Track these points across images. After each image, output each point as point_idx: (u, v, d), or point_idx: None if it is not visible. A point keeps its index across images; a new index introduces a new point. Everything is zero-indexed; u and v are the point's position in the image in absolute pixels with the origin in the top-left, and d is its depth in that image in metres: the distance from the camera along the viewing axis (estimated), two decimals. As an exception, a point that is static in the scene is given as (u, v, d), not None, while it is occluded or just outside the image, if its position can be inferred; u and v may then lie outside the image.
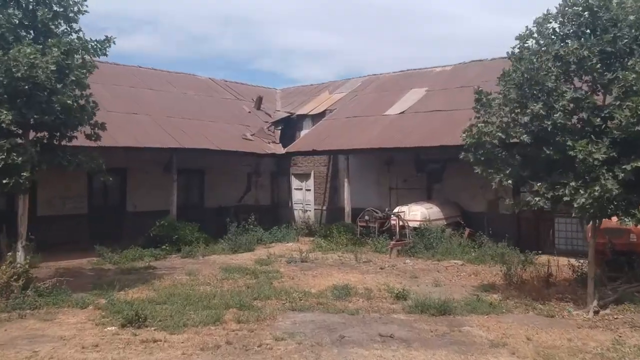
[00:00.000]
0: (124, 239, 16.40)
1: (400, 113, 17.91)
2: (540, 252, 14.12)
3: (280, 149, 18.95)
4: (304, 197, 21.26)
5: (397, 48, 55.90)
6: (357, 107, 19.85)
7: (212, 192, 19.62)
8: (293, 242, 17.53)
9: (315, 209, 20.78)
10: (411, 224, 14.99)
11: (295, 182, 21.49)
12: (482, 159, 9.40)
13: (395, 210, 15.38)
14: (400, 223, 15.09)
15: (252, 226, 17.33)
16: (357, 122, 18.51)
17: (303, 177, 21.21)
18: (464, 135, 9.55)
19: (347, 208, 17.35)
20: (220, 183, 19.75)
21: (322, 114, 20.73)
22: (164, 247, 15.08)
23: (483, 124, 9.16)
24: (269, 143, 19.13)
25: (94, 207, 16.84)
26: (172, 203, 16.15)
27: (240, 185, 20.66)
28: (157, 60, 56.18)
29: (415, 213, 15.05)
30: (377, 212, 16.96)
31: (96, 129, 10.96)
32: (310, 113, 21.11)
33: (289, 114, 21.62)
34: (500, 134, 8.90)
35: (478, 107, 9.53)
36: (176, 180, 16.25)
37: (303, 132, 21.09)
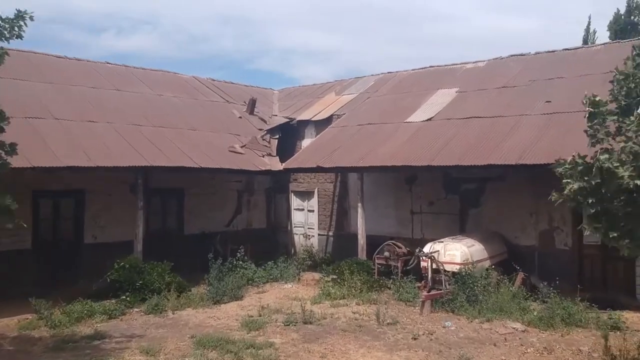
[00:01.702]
0: (80, 280, 12.92)
1: (427, 120, 14.30)
2: (612, 303, 10.74)
3: (277, 164, 15.35)
4: (306, 219, 17.68)
5: (397, 48, 55.36)
6: (371, 112, 16.25)
7: (193, 216, 16.05)
8: (293, 283, 13.96)
9: (319, 235, 17.19)
10: (448, 268, 11.40)
11: (295, 201, 17.91)
12: (598, 213, 5.81)
13: (427, 248, 11.78)
14: (434, 266, 11.51)
15: (241, 262, 13.77)
16: (372, 131, 14.91)
17: (305, 195, 17.63)
18: (563, 168, 5.97)
19: (362, 240, 13.74)
20: (203, 204, 16.18)
21: (327, 120, 17.14)
22: (124, 297, 11.51)
23: (606, 157, 5.56)
24: (263, 156, 15.53)
25: (40, 240, 13.25)
26: (136, 237, 12.57)
27: (228, 205, 17.09)
28: (156, 60, 55.67)
29: (454, 253, 11.46)
30: (399, 247, 13.38)
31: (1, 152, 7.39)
32: (313, 119, 17.51)
33: (287, 120, 18.02)
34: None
35: (595, 127, 5.92)
36: (142, 207, 12.65)
37: (305, 142, 17.51)
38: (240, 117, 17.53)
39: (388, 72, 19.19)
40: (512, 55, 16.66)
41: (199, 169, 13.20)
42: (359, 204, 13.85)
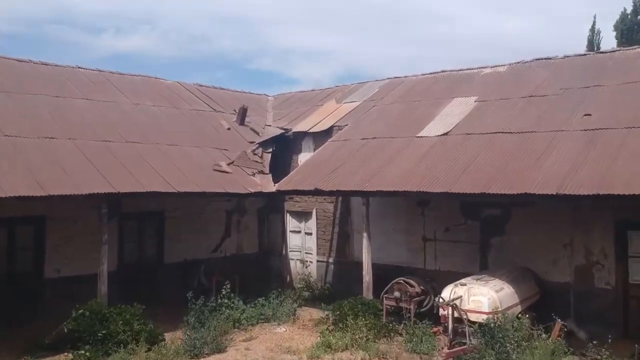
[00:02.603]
0: (40, 319, 10.98)
1: (443, 135, 12.34)
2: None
3: (269, 184, 13.40)
4: (303, 243, 15.73)
5: (397, 48, 53.84)
6: (377, 124, 14.29)
7: (175, 242, 14.12)
8: (288, 324, 12.02)
9: (318, 261, 15.24)
10: (473, 318, 9.44)
11: (291, 222, 15.95)
12: None
13: (447, 292, 9.83)
14: (456, 314, 9.56)
15: (227, 300, 11.82)
16: (378, 146, 12.95)
17: (302, 215, 15.68)
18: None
19: (367, 277, 11.77)
20: (187, 228, 14.25)
21: (327, 132, 15.19)
22: (83, 351, 9.53)
23: None
24: (253, 174, 13.58)
25: (-9, 275, 11.34)
26: (100, 276, 10.61)
27: (216, 228, 15.15)
28: (156, 60, 54.32)
29: (480, 300, 9.49)
30: (411, 285, 11.43)
31: None
32: (311, 130, 15.55)
33: (282, 131, 16.07)
34: None
35: None
36: (106, 241, 10.69)
37: (302, 156, 15.57)
38: (228, 129, 15.55)
39: (395, 77, 17.22)
40: (537, 60, 14.69)
41: (177, 194, 11.25)
42: (364, 234, 11.89)
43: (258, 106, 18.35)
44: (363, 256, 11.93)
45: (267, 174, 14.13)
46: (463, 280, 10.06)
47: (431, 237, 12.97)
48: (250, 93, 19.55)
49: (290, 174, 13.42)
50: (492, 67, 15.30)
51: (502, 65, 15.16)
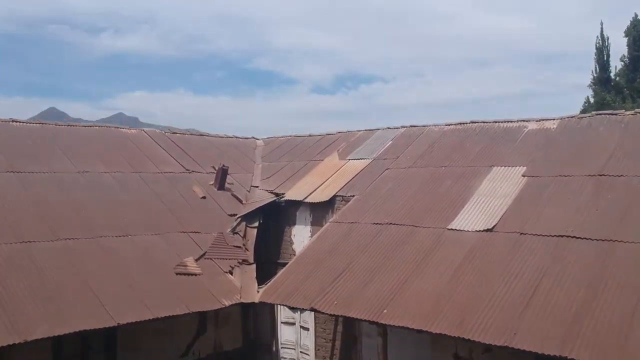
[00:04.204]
0: None
1: (486, 231, 9.07)
2: None
3: (250, 288, 10.12)
4: (298, 339, 12.49)
5: (397, 48, 50.99)
6: (392, 199, 11.01)
7: (131, 352, 10.86)
8: None
9: (317, 366, 12.01)
10: None
11: (283, 312, 12.72)
12: None
13: None
14: None
15: None
16: (396, 239, 9.67)
17: (296, 304, 12.40)
18: None
19: None
20: (146, 329, 10.98)
21: (329, 204, 11.97)
22: None
23: None
24: (231, 271, 10.35)
25: None
26: None
27: (186, 324, 11.88)
28: (155, 60, 50.71)
29: None
30: None
31: None
32: (308, 200, 12.31)
33: (272, 197, 12.86)
34: None
35: None
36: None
37: (297, 230, 12.43)
38: (203, 197, 12.29)
39: (411, 126, 13.95)
40: (597, 114, 11.46)
41: (116, 328, 8.01)
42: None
43: (244, 156, 15.11)
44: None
45: (250, 264, 10.90)
46: None
47: None
48: (236, 137, 16.30)
49: (279, 275, 10.11)
50: (537, 121, 12.05)
51: (550, 120, 11.90)
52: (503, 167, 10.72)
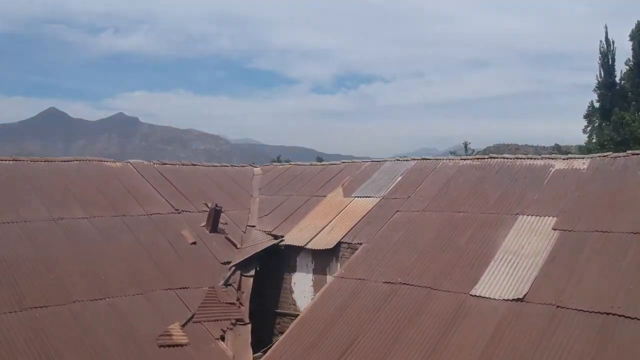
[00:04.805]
0: None
1: (516, 301, 7.87)
2: None
3: (245, 354, 8.94)
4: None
5: (397, 48, 50.11)
6: (404, 251, 9.79)
7: None
8: None
9: None
10: None
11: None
12: None
13: None
14: None
15: None
16: (411, 306, 8.45)
17: None
18: None
19: None
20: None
21: (333, 251, 10.78)
22: None
23: None
24: (223, 336, 9.15)
25: None
26: None
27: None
28: (155, 60, 49.80)
29: None
30: None
31: None
32: (310, 246, 11.12)
33: (271, 239, 11.67)
34: None
35: None
36: None
37: (297, 278, 11.27)
38: (194, 243, 11.08)
39: (423, 159, 12.76)
40: (634, 154, 10.24)
41: None
42: None
43: (239, 189, 13.90)
44: None
45: (245, 323, 9.70)
46: None
47: None
48: (232, 166, 15.11)
49: (278, 344, 8.81)
50: (564, 159, 10.86)
51: (579, 159, 10.72)
52: (530, 217, 9.52)
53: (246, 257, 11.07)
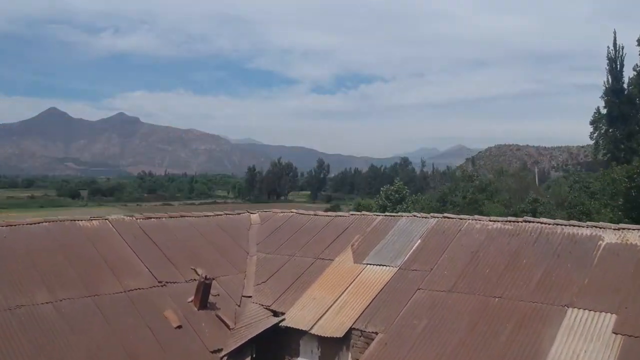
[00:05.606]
0: None
1: None
2: None
3: None
4: None
5: (397, 48, 48.90)
6: (429, 351, 8.16)
7: None
8: None
9: None
10: None
11: None
12: None
13: None
14: None
15: None
16: None
17: None
18: None
19: None
20: None
21: (344, 340, 9.14)
22: None
23: None
24: None
25: None
26: None
27: None
28: (155, 60, 48.30)
29: None
30: None
31: None
32: (315, 332, 9.47)
33: (269, 317, 10.03)
34: None
35: None
36: None
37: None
38: (179, 327, 9.43)
39: (444, 217, 11.12)
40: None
41: None
42: None
43: (234, 244, 12.28)
44: None
45: None
46: None
47: None
48: (227, 214, 13.47)
49: None
50: (615, 229, 9.21)
51: (633, 230, 9.06)
52: (582, 311, 7.89)
53: (240, 343, 9.43)
